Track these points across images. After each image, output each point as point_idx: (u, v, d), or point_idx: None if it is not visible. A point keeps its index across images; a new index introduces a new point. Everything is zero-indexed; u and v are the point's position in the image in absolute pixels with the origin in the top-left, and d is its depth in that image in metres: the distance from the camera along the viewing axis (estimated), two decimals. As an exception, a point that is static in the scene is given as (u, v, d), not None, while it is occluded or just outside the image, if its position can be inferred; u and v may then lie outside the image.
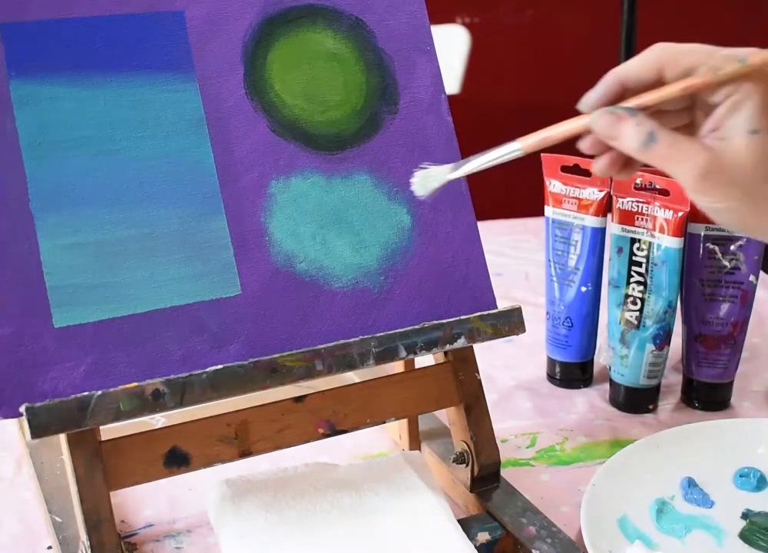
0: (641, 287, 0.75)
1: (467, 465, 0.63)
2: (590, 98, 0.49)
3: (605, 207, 0.77)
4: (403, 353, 0.59)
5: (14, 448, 0.73)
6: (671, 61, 0.47)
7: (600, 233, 0.78)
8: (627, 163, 0.50)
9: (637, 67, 0.48)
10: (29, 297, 0.54)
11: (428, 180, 0.55)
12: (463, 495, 0.65)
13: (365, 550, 0.56)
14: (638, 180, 0.75)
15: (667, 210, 0.73)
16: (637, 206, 0.74)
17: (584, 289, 0.79)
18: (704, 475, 0.67)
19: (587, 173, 0.76)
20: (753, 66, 0.45)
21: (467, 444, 0.63)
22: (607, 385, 0.81)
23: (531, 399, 0.81)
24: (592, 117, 0.49)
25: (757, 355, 0.88)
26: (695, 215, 0.73)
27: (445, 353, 0.63)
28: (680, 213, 0.72)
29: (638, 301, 0.75)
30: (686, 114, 0.50)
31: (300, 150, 0.62)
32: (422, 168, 0.56)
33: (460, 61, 2.17)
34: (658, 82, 0.48)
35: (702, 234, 0.74)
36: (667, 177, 0.75)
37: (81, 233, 0.56)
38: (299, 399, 0.59)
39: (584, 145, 0.50)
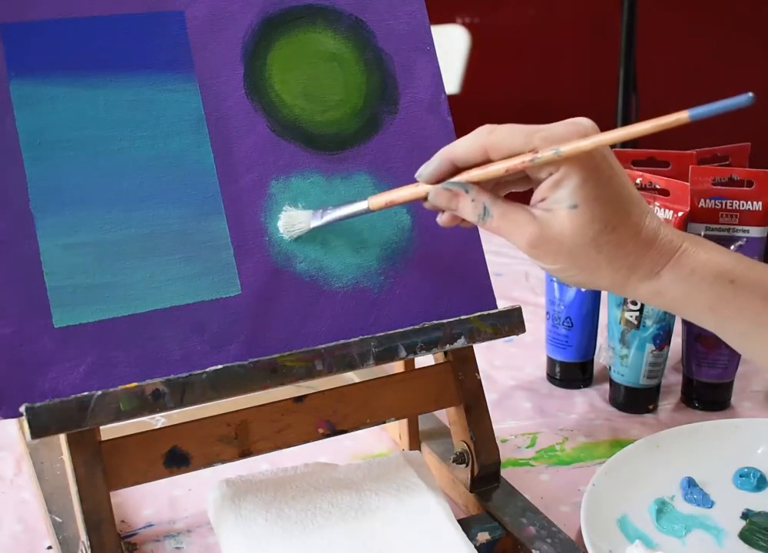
0: (641, 287, 0.75)
1: (467, 465, 0.63)
2: (425, 172, 0.54)
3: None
4: (403, 353, 0.59)
5: (14, 448, 0.73)
6: (494, 144, 0.52)
7: (600, 233, 0.78)
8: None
9: (465, 149, 0.53)
10: (29, 297, 0.54)
11: (293, 224, 0.60)
12: (463, 495, 0.65)
13: (365, 550, 0.56)
14: (638, 180, 0.75)
15: (666, 210, 0.73)
16: (637, 206, 0.74)
17: (584, 289, 0.79)
18: (704, 475, 0.67)
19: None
20: (564, 156, 0.49)
21: (467, 444, 0.63)
22: (607, 385, 0.81)
23: (531, 399, 0.81)
24: (431, 193, 0.54)
25: (757, 355, 0.88)
26: (695, 215, 0.73)
27: (445, 353, 0.63)
28: (680, 213, 0.72)
29: (638, 301, 0.75)
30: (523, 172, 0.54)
31: (300, 150, 0.62)
32: (286, 211, 0.60)
33: (460, 61, 2.17)
34: (486, 161, 0.52)
35: (702, 234, 0.74)
36: (667, 177, 0.75)
37: (81, 233, 0.56)
38: (299, 399, 0.59)
39: (427, 205, 0.56)
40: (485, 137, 0.52)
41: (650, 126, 0.47)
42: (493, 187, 0.55)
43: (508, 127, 0.52)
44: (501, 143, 0.51)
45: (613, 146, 0.52)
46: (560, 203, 0.51)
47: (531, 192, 0.53)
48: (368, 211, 0.58)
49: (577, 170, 0.50)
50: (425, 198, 0.55)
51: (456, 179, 0.54)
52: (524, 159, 0.50)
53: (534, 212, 0.52)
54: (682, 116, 0.45)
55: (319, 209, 0.60)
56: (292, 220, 0.60)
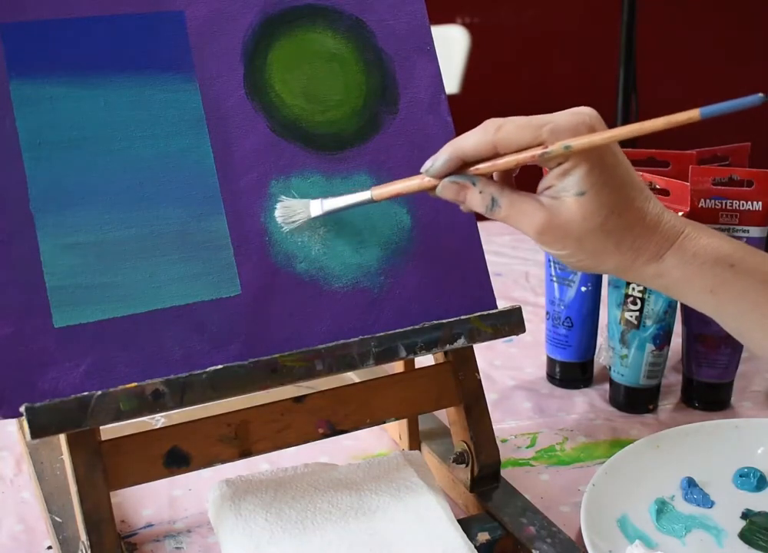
0: (641, 287, 0.75)
1: (467, 465, 0.63)
2: (432, 169, 0.55)
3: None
4: (403, 353, 0.59)
5: (14, 448, 0.73)
6: (503, 141, 0.52)
7: (600, 233, 0.78)
8: None
9: (474, 147, 0.53)
10: (29, 297, 0.54)
11: (291, 214, 0.59)
12: (463, 495, 0.65)
13: (365, 550, 0.56)
14: (638, 180, 0.75)
15: (666, 210, 0.73)
16: (637, 206, 0.74)
17: (584, 289, 0.79)
18: (704, 475, 0.67)
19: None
20: (575, 151, 0.51)
21: (467, 444, 0.63)
22: (607, 385, 0.81)
23: (531, 399, 0.81)
24: (439, 187, 0.55)
25: (757, 355, 0.88)
26: (695, 215, 0.73)
27: (445, 353, 0.63)
28: (680, 213, 0.72)
29: (638, 301, 0.75)
30: None
31: (300, 150, 0.62)
32: (282, 201, 0.60)
33: (460, 61, 2.17)
34: (494, 155, 0.53)
35: (702, 234, 0.74)
36: (667, 177, 0.75)
37: (81, 233, 0.56)
38: (299, 399, 0.59)
39: (433, 195, 0.56)
40: (493, 134, 0.52)
41: (661, 123, 0.48)
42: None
43: (515, 122, 0.52)
44: (510, 139, 0.52)
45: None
46: (568, 190, 0.52)
47: (531, 175, 0.54)
48: (371, 201, 0.58)
49: (584, 160, 0.51)
50: (432, 189, 0.55)
51: (464, 173, 0.54)
52: (535, 153, 0.52)
53: (542, 200, 0.53)
54: (693, 114, 0.47)
55: (318, 198, 0.59)
56: (290, 211, 0.60)
